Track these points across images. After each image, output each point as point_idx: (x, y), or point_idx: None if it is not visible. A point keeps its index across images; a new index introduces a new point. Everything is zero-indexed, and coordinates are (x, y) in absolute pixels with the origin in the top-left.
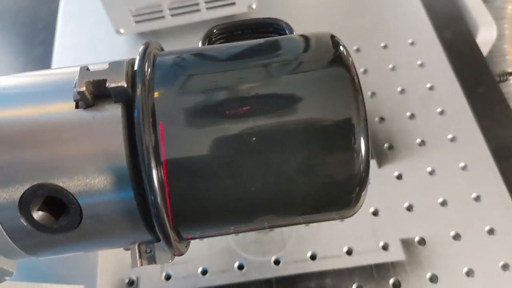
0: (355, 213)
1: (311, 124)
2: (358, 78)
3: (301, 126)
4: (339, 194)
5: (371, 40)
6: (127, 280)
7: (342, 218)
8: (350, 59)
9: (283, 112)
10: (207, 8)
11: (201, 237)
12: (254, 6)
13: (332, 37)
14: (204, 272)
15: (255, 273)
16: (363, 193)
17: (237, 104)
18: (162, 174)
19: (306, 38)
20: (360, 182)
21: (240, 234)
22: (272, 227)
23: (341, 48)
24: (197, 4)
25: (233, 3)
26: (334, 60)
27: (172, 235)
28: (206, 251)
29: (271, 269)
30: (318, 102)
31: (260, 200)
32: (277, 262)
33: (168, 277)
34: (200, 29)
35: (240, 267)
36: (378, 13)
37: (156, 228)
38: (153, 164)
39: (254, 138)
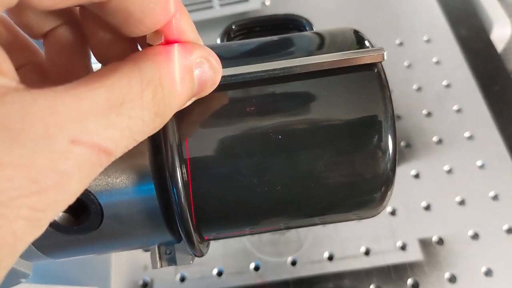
0: (379, 212)
1: (338, 121)
2: (384, 73)
3: (328, 123)
4: (364, 193)
5: (386, 37)
6: (141, 282)
7: (366, 218)
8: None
9: (309, 109)
10: (221, 5)
11: (219, 238)
12: (267, 2)
13: (356, 32)
14: (220, 274)
15: (272, 274)
16: (389, 192)
17: (262, 101)
18: (186, 173)
19: (329, 34)
20: (386, 181)
21: (256, 235)
22: (294, 227)
23: (366, 43)
24: (210, 1)
25: (247, 0)
26: None
27: (195, 235)
28: (221, 252)
29: (288, 270)
30: (344, 99)
31: (286, 199)
32: (293, 263)
33: (182, 279)
34: (213, 26)
35: (256, 268)
36: (393, 10)
37: (179, 228)
38: (177, 162)
39: (280, 136)
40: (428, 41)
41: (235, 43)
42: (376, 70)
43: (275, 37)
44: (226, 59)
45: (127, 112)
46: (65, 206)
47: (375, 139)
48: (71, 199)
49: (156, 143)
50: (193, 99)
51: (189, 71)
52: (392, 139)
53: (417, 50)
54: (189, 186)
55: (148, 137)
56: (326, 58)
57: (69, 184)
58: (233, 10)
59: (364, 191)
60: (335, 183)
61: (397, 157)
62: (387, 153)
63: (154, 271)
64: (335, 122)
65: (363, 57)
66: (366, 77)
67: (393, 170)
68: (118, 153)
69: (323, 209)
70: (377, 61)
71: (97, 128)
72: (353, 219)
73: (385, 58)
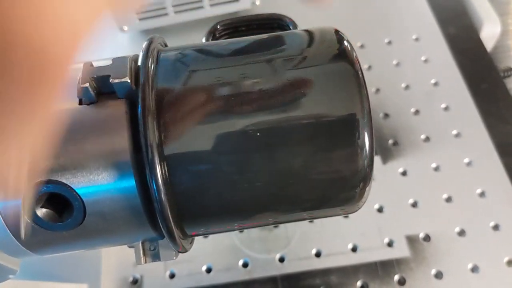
0: (359, 208)
1: (315, 119)
2: (362, 73)
3: (305, 121)
4: (343, 189)
5: (375, 36)
6: (131, 279)
7: (346, 213)
8: (354, 54)
9: (287, 107)
10: (211, 5)
11: (205, 234)
12: (257, 2)
13: (336, 32)
14: (209, 270)
15: (260, 270)
16: (367, 188)
17: (241, 99)
18: (166, 170)
19: (310, 33)
20: (364, 177)
21: (245, 232)
22: (276, 223)
23: (345, 43)
24: (200, 1)
25: (237, 0)
26: (338, 55)
27: (176, 231)
28: (210, 249)
29: (276, 266)
30: (322, 97)
31: (265, 195)
32: (281, 259)
33: (172, 276)
34: (203, 26)
35: (245, 264)
36: (382, 9)
37: (160, 224)
38: (156, 160)
39: (258, 133)
40: (417, 39)
41: (217, 42)
42: (354, 68)
43: (250, 38)
44: (209, 57)
45: None
46: None
47: (352, 136)
48: None
49: (137, 140)
50: None
51: None
52: (368, 136)
53: (406, 48)
54: (170, 183)
55: (130, 135)
56: None
57: None
58: (223, 10)
59: (342, 188)
60: (314, 180)
61: (374, 153)
62: (364, 150)
63: (144, 268)
64: (312, 120)
65: None
66: (344, 75)
67: (371, 166)
68: None
69: (303, 205)
70: None
71: None
72: (334, 215)
73: None
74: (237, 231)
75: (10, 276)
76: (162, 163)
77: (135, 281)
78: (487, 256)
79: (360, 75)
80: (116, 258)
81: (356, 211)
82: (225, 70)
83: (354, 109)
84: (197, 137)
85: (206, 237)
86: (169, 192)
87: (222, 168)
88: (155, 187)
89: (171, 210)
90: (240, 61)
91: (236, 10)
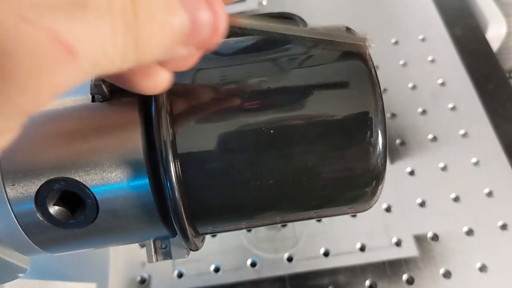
0: (371, 207)
1: (329, 116)
2: (375, 70)
3: (319, 118)
4: (356, 187)
5: (382, 36)
6: (139, 278)
7: (358, 212)
8: (367, 51)
9: (300, 104)
10: None
11: (216, 232)
12: (264, 2)
13: (348, 29)
14: (217, 270)
15: (268, 270)
16: (379, 186)
17: (254, 97)
18: (179, 168)
19: (322, 30)
20: (376, 175)
21: (252, 232)
22: (288, 221)
23: None
24: None
25: (243, 0)
26: (351, 52)
27: (189, 229)
28: (218, 248)
29: (284, 266)
30: (336, 95)
31: (278, 193)
32: (290, 259)
33: (180, 275)
34: None
35: (253, 264)
36: (388, 9)
37: (174, 222)
38: (170, 158)
39: (272, 131)
40: (423, 40)
41: (226, 40)
42: (367, 66)
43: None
44: (219, 55)
45: (93, 13)
46: (18, 106)
47: (365, 134)
48: (26, 98)
49: (151, 138)
50: (186, 49)
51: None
52: (382, 134)
53: (413, 49)
54: (183, 181)
55: (143, 132)
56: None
57: (19, 72)
58: (230, 10)
59: (355, 186)
60: (326, 178)
61: (387, 152)
62: (377, 148)
63: (152, 268)
64: (326, 118)
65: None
66: (357, 73)
67: (384, 165)
68: (86, 61)
69: (315, 203)
70: (359, 42)
71: (53, 15)
72: (346, 213)
73: (370, 44)
74: (245, 231)
75: (20, 274)
76: (176, 161)
77: (143, 281)
78: (495, 255)
79: (373, 73)
80: (124, 257)
81: (368, 209)
82: (236, 68)
83: (367, 107)
84: (210, 134)
85: (214, 236)
86: (182, 189)
87: (235, 165)
88: (169, 185)
89: (184, 208)
90: (252, 59)
91: (243, 10)
